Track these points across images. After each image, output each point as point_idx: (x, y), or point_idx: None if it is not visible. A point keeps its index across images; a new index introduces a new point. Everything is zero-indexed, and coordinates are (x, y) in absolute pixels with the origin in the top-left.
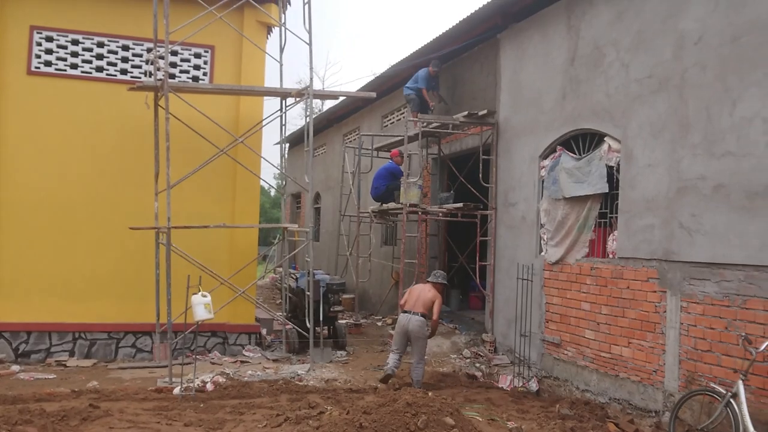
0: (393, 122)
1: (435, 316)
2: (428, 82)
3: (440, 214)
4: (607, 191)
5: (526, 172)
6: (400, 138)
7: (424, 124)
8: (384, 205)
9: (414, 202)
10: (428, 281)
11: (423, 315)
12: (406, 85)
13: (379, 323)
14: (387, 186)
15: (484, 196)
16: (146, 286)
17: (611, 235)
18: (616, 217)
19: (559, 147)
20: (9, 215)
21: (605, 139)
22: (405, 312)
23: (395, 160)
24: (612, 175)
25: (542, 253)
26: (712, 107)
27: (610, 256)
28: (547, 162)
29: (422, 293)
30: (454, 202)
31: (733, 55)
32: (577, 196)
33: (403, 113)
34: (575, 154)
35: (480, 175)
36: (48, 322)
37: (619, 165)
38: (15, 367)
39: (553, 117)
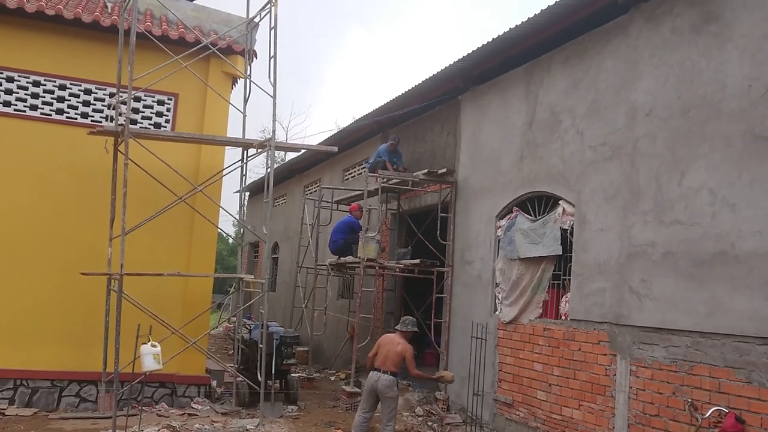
0: (354, 176)
1: (412, 371)
2: (389, 156)
3: (397, 270)
4: (561, 254)
5: (483, 231)
6: (360, 192)
7: (384, 179)
8: (342, 258)
9: (372, 256)
10: (397, 329)
11: (393, 373)
12: (369, 161)
13: (333, 377)
14: (345, 239)
15: (442, 253)
16: (94, 333)
17: (564, 296)
18: (570, 279)
19: (515, 208)
20: None
21: (560, 202)
22: (374, 369)
23: (354, 214)
24: (566, 238)
25: (497, 312)
26: (662, 176)
27: (563, 317)
28: (503, 222)
29: (391, 348)
30: (411, 258)
31: (682, 128)
32: (532, 257)
33: (365, 167)
34: (531, 215)
35: (438, 233)
36: None
37: (573, 228)
38: None
39: (510, 178)
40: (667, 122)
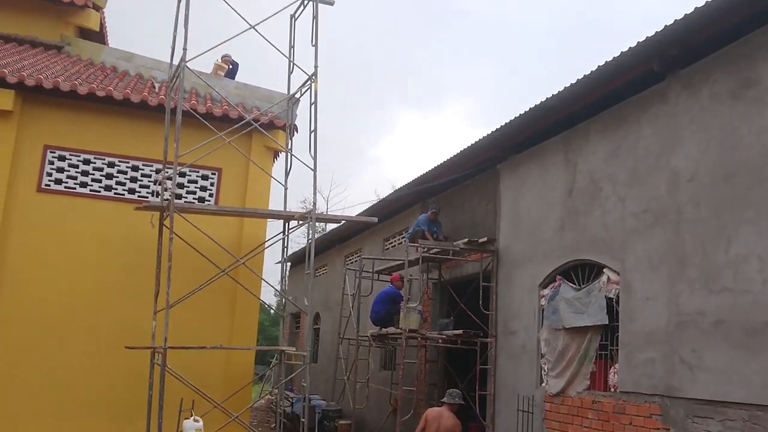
0: (394, 245)
1: None
2: (429, 226)
3: (440, 341)
4: (607, 323)
5: (526, 300)
6: (400, 262)
7: (425, 249)
8: (383, 329)
9: (413, 327)
10: (444, 402)
11: None
12: (409, 231)
13: None
14: (387, 310)
15: (485, 323)
16: (138, 407)
17: (612, 367)
18: (617, 349)
19: (558, 276)
20: (8, 329)
21: (604, 270)
22: None
23: (395, 284)
24: (612, 307)
25: (543, 384)
26: (707, 243)
27: (612, 389)
28: (547, 291)
29: (442, 422)
30: (453, 329)
31: (726, 194)
32: (577, 326)
33: (404, 237)
34: (575, 284)
35: (480, 302)
36: None
37: (618, 297)
38: None
39: (552, 247)
40: (710, 188)
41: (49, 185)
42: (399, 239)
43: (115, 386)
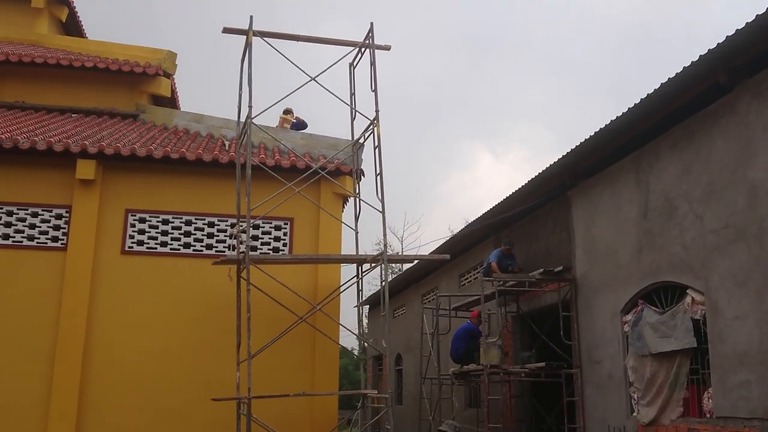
0: (470, 281)
1: None
2: (501, 260)
3: (523, 375)
4: (696, 346)
5: (608, 328)
6: (477, 297)
7: (501, 283)
8: (464, 366)
9: (494, 362)
10: None
11: None
12: (483, 266)
13: None
14: (466, 347)
15: (568, 353)
16: None
17: (706, 392)
18: (709, 373)
19: (640, 301)
20: (98, 390)
21: (688, 291)
22: None
23: (473, 321)
24: (699, 329)
25: (634, 414)
26: None
27: (708, 415)
28: (629, 317)
29: None
30: (536, 362)
31: None
32: (665, 351)
33: (479, 272)
34: (658, 307)
35: (561, 332)
36: None
37: (705, 317)
38: None
39: (630, 271)
40: None
41: (132, 247)
42: (474, 274)
43: None
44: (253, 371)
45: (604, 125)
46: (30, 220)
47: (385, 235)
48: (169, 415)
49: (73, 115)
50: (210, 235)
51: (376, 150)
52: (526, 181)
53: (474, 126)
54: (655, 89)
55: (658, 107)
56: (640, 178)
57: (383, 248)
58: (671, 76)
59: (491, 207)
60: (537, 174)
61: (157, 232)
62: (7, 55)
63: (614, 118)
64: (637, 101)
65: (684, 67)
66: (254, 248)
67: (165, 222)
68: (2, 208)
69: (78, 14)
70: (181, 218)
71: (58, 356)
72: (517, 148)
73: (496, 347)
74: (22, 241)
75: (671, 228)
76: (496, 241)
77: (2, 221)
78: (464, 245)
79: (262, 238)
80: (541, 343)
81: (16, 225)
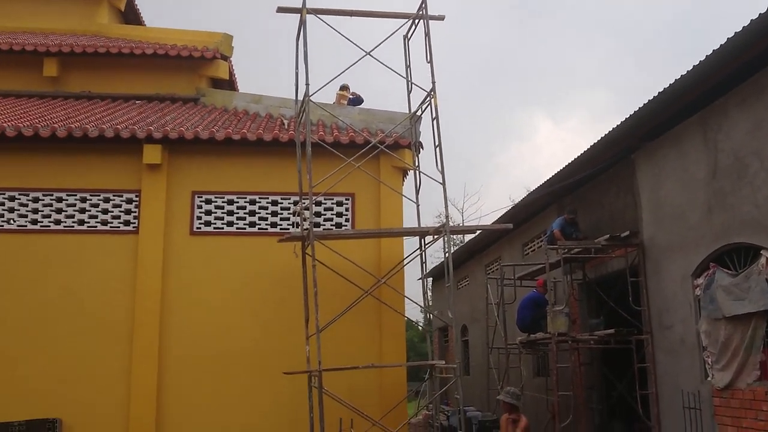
0: (534, 249)
1: None
2: (563, 227)
3: (591, 342)
4: None
5: (679, 292)
6: (541, 265)
7: (566, 250)
8: (531, 335)
9: (562, 330)
10: (501, 401)
11: None
12: (546, 234)
13: None
14: (532, 316)
15: (637, 319)
16: (300, 429)
17: None
18: None
19: (712, 264)
20: (174, 366)
21: (762, 252)
22: None
23: (539, 289)
24: None
25: (708, 379)
26: None
27: None
28: (700, 280)
29: (508, 427)
30: (605, 328)
31: None
32: (739, 314)
33: (543, 240)
34: (730, 269)
35: (630, 298)
36: None
37: None
38: None
39: (700, 233)
40: None
41: (199, 228)
42: (538, 243)
43: (276, 410)
44: (322, 345)
45: (668, 85)
46: (102, 205)
47: (446, 206)
48: (241, 390)
49: (136, 102)
50: (274, 214)
51: (434, 122)
52: (588, 147)
53: (531, 93)
54: (721, 44)
55: (726, 62)
56: (708, 137)
57: (445, 219)
58: (738, 30)
59: (553, 174)
60: (599, 138)
61: (222, 213)
62: (72, 47)
63: (678, 77)
64: (703, 58)
65: (751, 20)
66: (317, 225)
67: (230, 202)
68: (76, 195)
69: (135, 2)
70: (246, 198)
71: (135, 335)
72: (577, 113)
73: (563, 315)
74: (96, 226)
75: (742, 187)
76: (559, 208)
77: (77, 207)
78: (526, 214)
79: (325, 215)
80: (610, 309)
81: (90, 211)
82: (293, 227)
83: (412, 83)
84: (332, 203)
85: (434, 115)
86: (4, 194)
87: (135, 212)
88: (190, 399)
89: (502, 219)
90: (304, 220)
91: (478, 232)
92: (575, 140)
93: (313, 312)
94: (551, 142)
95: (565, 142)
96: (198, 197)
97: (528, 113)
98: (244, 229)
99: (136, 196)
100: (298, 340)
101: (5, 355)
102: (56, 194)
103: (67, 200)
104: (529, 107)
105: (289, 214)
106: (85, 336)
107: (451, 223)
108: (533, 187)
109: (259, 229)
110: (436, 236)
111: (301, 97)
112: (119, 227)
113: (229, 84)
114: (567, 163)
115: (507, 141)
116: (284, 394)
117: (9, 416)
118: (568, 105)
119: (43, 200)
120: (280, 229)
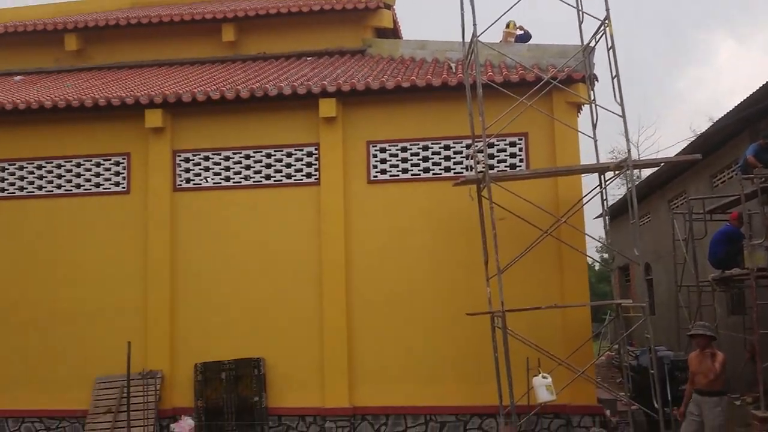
0: (723, 181)
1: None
2: (758, 153)
3: None
4: None
5: None
6: (735, 197)
7: (762, 179)
8: (726, 271)
9: (762, 265)
10: (695, 335)
11: (718, 392)
12: (738, 164)
13: (737, 402)
14: (726, 251)
15: None
16: (485, 369)
17: None
18: None
19: None
20: (361, 307)
21: None
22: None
23: (733, 222)
24: None
25: None
26: None
27: None
28: None
29: (702, 363)
30: None
31: None
32: None
33: (734, 170)
34: None
35: None
36: (402, 405)
37: None
38: None
39: None
40: None
41: (376, 176)
42: (728, 173)
43: (461, 352)
44: (503, 286)
45: None
46: (285, 160)
47: (627, 139)
48: (424, 330)
49: (307, 59)
50: (447, 158)
51: (610, 52)
52: None
53: (709, 11)
54: None
55: None
56: None
57: (627, 153)
58: None
59: (743, 98)
60: None
61: (397, 160)
62: (247, 12)
63: None
64: None
65: None
66: (491, 167)
67: (403, 150)
68: (262, 152)
69: None
70: (418, 144)
71: (324, 279)
72: (766, 29)
73: (762, 249)
74: (281, 180)
75: None
76: (752, 135)
77: (263, 164)
78: (713, 144)
79: (498, 156)
80: None
81: (275, 165)
82: (467, 170)
83: (583, 12)
84: (505, 144)
85: (610, 45)
86: (199, 155)
87: (315, 165)
88: (377, 339)
89: (686, 150)
90: (478, 162)
91: (662, 164)
92: (764, 60)
93: (492, 253)
94: (735, 64)
95: (752, 61)
96: (372, 146)
97: (706, 34)
98: (419, 175)
99: (316, 149)
100: (476, 282)
101: (215, 303)
102: (244, 152)
103: (253, 157)
104: (707, 28)
105: (462, 158)
106: (280, 282)
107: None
108: (717, 116)
109: (433, 174)
110: (616, 172)
111: (468, 39)
112: (302, 180)
113: (393, 33)
114: (760, 86)
115: (683, 66)
116: (467, 335)
117: (220, 356)
118: (755, 19)
119: (233, 158)
120: (454, 173)
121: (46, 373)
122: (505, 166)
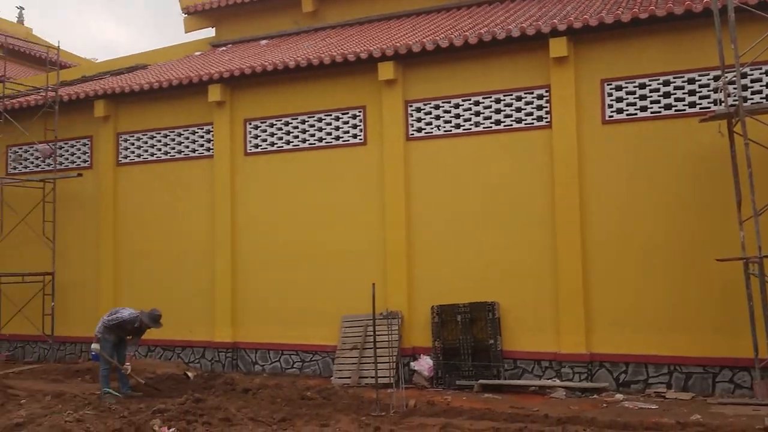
0: None
1: None
2: None
3: None
4: None
5: None
6: None
7: None
8: None
9: None
10: None
11: None
12: None
13: None
14: None
15: None
16: (737, 319)
17: None
18: None
19: None
20: (597, 254)
21: None
22: None
23: None
24: None
25: None
26: None
27: None
28: None
29: None
30: None
31: None
32: None
33: None
34: None
35: None
36: (643, 353)
37: None
38: (618, 396)
39: None
40: None
41: (612, 116)
42: None
43: (706, 299)
44: (760, 230)
45: None
46: (515, 104)
47: None
48: (666, 277)
49: None
50: (691, 92)
51: None
52: None
53: None
54: None
55: None
56: None
57: None
58: None
59: None
60: None
61: (634, 98)
62: None
63: None
64: None
65: None
66: (745, 99)
67: (641, 86)
68: (491, 97)
69: None
70: (658, 79)
71: (557, 222)
72: None
73: None
74: (511, 125)
75: None
76: None
77: (492, 109)
78: None
79: (752, 87)
80: None
81: (504, 111)
82: (715, 105)
83: None
84: (761, 73)
85: None
86: (429, 104)
87: (546, 107)
88: (615, 284)
89: None
90: (729, 95)
91: None
92: None
93: (747, 194)
94: None
95: None
96: (607, 84)
97: None
98: (659, 112)
99: (546, 92)
100: (725, 226)
101: (449, 247)
102: (473, 98)
103: (483, 103)
104: None
105: (709, 91)
106: (513, 226)
107: None
108: None
109: (675, 111)
110: None
111: None
112: (533, 123)
113: None
114: None
115: None
116: (713, 281)
117: (456, 299)
118: None
119: (462, 105)
120: (700, 108)
121: (299, 311)
122: (761, 98)
